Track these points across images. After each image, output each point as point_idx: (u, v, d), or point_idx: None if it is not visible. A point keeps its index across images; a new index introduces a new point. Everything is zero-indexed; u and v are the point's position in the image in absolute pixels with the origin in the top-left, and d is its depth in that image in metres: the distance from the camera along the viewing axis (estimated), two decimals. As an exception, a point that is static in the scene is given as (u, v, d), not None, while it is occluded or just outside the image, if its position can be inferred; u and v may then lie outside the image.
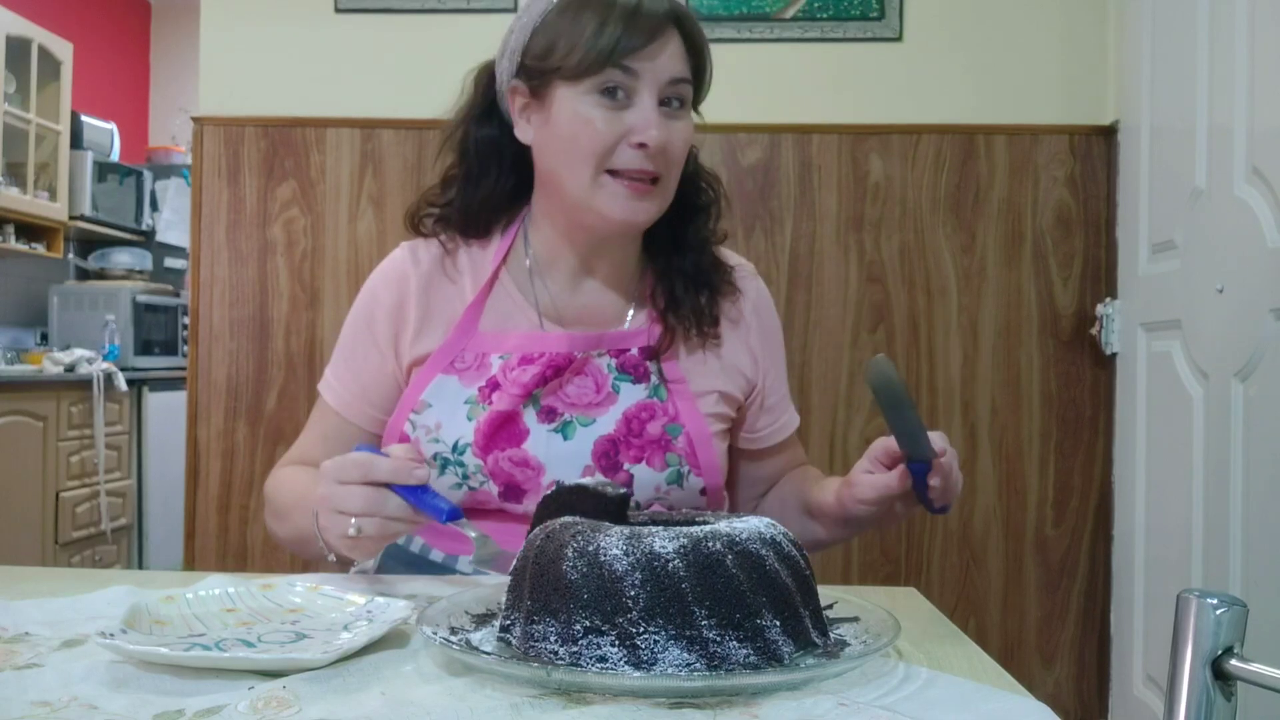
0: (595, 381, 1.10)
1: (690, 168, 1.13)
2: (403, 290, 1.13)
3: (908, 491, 0.96)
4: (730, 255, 1.22)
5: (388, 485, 0.85)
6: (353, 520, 0.85)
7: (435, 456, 1.07)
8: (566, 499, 0.77)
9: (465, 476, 1.07)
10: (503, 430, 1.06)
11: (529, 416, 1.07)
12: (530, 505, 1.07)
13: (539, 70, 1.04)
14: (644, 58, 1.01)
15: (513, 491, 1.07)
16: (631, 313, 1.14)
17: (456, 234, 1.15)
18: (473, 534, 0.87)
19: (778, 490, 1.23)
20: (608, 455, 1.07)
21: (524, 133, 1.08)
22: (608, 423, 1.08)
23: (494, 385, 1.07)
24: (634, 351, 1.11)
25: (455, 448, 1.06)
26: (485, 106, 1.13)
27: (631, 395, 1.09)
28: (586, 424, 1.08)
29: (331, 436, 1.15)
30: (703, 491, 1.10)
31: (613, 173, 1.03)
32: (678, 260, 1.15)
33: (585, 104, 1.01)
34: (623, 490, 0.78)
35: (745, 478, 1.23)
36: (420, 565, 1.11)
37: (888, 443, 0.98)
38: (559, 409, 1.08)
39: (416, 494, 0.86)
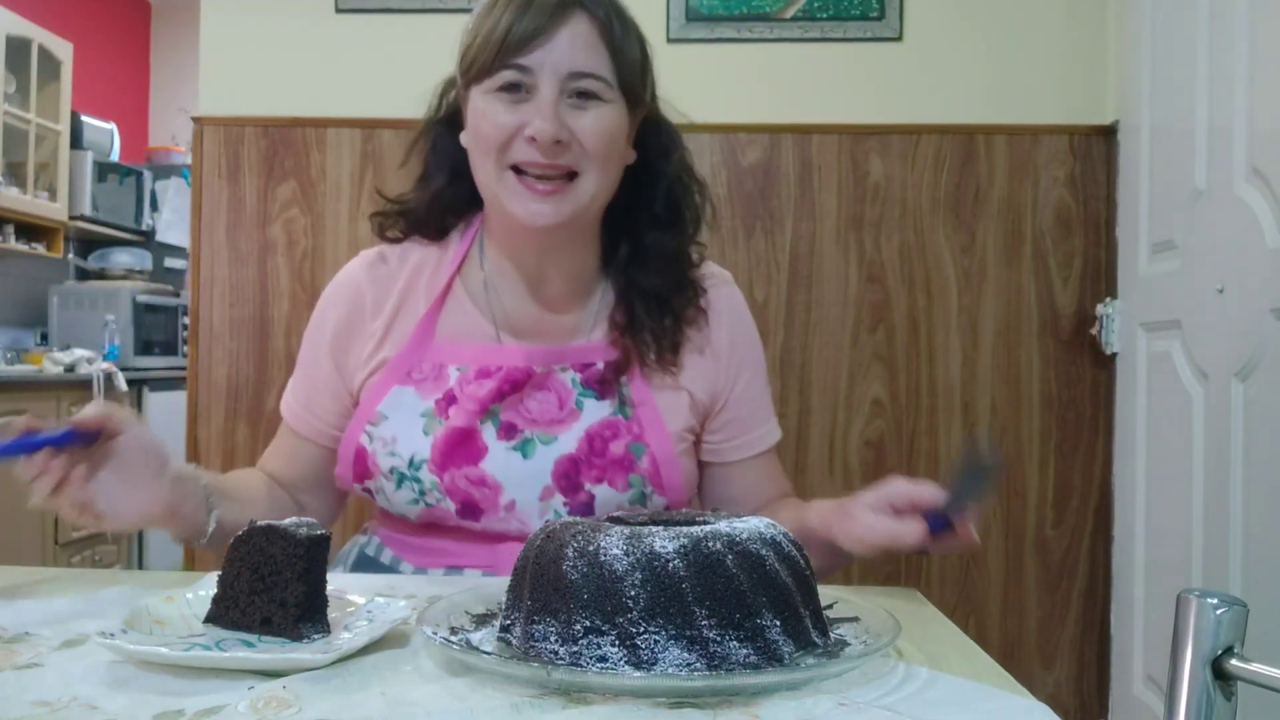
0: (559, 397, 1.06)
1: (667, 173, 1.09)
2: (355, 303, 1.11)
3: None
4: (707, 266, 1.16)
5: None
6: None
7: (392, 471, 1.05)
8: (257, 540, 0.74)
9: (422, 492, 1.04)
10: (460, 447, 1.03)
11: (488, 433, 1.04)
12: (489, 524, 1.05)
13: (462, 74, 1.05)
14: (539, 48, 0.98)
15: (470, 510, 1.04)
16: (593, 326, 1.10)
17: (416, 236, 1.13)
18: None
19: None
20: (568, 475, 1.04)
21: (465, 138, 1.07)
22: (569, 441, 1.04)
23: (451, 399, 1.04)
24: (599, 366, 1.08)
25: (411, 463, 1.04)
26: (448, 115, 1.12)
27: (595, 413, 1.06)
28: (547, 442, 1.04)
29: (284, 452, 1.14)
30: (666, 509, 1.06)
31: (516, 170, 1.00)
32: (638, 277, 1.10)
33: (488, 100, 1.00)
34: (319, 532, 0.74)
35: (710, 495, 1.17)
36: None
37: (911, 491, 0.90)
38: (519, 425, 1.05)
39: None
